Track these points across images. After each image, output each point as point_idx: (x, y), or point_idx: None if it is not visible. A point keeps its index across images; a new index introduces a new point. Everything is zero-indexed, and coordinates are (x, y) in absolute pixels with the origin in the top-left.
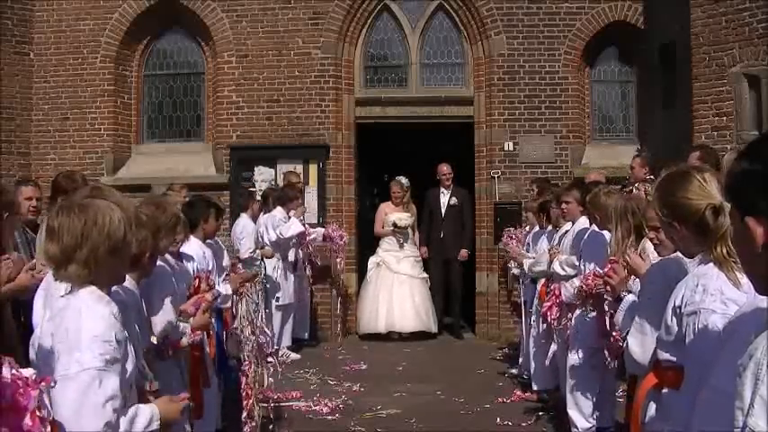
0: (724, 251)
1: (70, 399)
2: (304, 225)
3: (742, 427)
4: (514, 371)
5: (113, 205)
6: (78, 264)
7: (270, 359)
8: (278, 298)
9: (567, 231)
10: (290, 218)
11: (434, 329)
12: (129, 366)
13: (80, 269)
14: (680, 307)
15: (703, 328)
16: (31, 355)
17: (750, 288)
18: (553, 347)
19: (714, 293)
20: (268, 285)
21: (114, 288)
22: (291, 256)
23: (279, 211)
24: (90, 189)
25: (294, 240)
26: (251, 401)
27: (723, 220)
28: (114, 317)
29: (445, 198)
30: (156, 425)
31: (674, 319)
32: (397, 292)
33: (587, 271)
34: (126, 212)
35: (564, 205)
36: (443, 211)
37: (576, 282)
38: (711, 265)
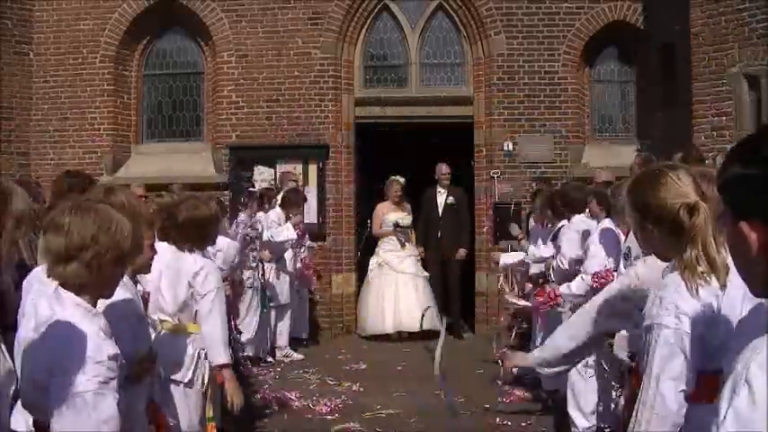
0: (694, 255)
1: (66, 423)
2: (303, 234)
3: None
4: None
5: (125, 218)
6: (81, 264)
7: (269, 359)
8: (271, 299)
9: (560, 227)
10: (288, 219)
11: (440, 327)
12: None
13: (81, 269)
14: (643, 320)
15: (655, 343)
16: (15, 351)
17: (712, 299)
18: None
19: (669, 307)
20: (267, 290)
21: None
22: (289, 257)
23: (275, 213)
24: (104, 190)
25: (287, 245)
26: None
27: (697, 220)
28: (103, 331)
29: (442, 197)
30: None
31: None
32: (402, 292)
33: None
34: (137, 216)
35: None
36: (440, 210)
37: (576, 281)
38: (675, 274)
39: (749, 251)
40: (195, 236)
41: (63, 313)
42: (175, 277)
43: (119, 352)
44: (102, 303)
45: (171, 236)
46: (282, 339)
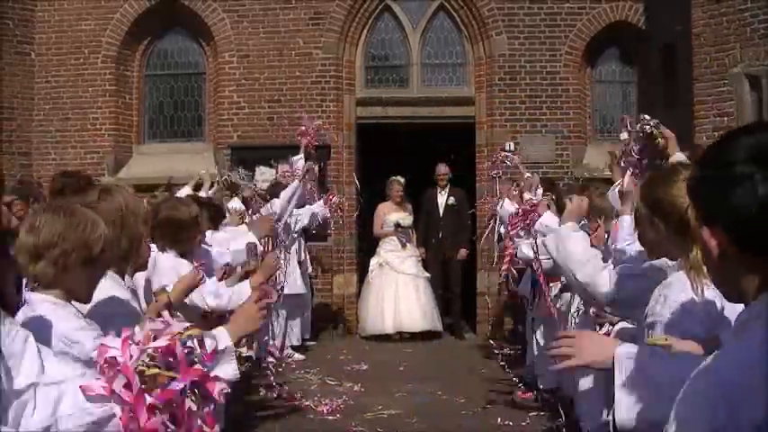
0: (700, 255)
1: (42, 412)
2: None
3: None
4: (513, 371)
5: (100, 219)
6: (48, 261)
7: (271, 359)
8: (282, 288)
9: None
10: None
11: (440, 328)
12: None
13: (48, 267)
14: (646, 317)
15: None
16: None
17: (716, 299)
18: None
19: (672, 305)
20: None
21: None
22: (294, 250)
23: (266, 209)
24: (99, 190)
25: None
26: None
27: None
28: (76, 316)
29: (442, 198)
30: None
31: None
32: (402, 292)
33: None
34: (136, 216)
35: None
36: (441, 211)
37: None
38: (681, 273)
39: (710, 257)
40: (170, 236)
41: (32, 314)
42: (148, 279)
43: (101, 332)
44: (98, 304)
45: (153, 234)
46: (294, 337)
